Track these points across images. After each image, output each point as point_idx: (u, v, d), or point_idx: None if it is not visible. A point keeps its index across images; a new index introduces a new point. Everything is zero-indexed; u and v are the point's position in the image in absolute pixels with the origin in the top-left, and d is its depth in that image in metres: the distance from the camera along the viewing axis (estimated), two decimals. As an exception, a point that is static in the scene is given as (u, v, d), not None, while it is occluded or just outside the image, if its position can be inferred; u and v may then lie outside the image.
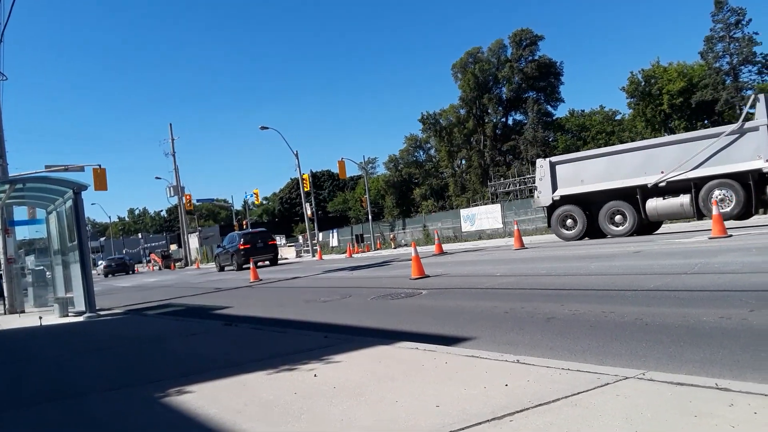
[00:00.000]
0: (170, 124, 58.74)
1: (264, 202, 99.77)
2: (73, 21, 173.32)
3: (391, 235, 46.58)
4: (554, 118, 70.92)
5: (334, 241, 55.82)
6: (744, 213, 14.81)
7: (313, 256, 39.58)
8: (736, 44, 52.88)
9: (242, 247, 30.15)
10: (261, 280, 18.23)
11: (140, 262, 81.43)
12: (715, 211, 13.17)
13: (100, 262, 63.90)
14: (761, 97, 15.06)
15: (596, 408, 2.78)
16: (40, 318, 10.95)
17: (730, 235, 12.39)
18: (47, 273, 14.90)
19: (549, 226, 18.92)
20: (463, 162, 72.80)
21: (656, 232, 17.74)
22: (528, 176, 58.09)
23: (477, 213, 39.76)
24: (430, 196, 74.48)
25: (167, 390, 4.07)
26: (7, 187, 12.31)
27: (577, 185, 17.52)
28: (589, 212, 17.35)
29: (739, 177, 14.58)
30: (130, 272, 56.02)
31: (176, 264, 58.45)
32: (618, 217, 16.65)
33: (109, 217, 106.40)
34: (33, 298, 15.23)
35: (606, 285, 7.87)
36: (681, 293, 6.49)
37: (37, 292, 15.17)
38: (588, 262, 11.09)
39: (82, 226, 10.84)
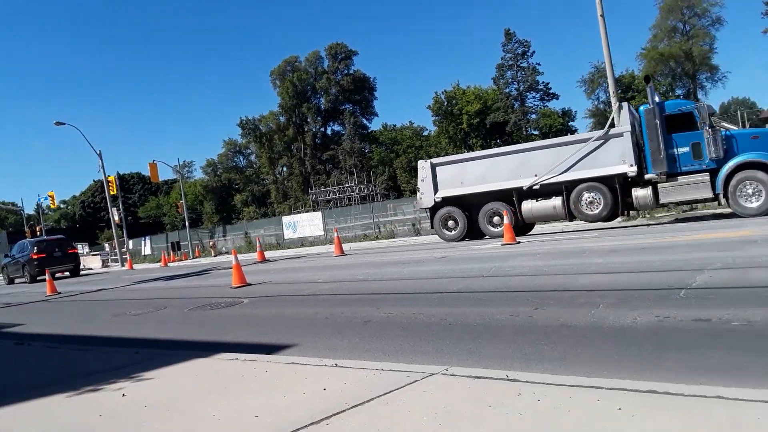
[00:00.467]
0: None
1: (62, 206, 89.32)
2: None
3: (211, 243, 44.66)
4: (369, 130, 74.22)
5: (146, 249, 51.77)
6: (611, 215, 16.00)
7: (123, 265, 36.36)
8: (523, 73, 60.43)
9: (36, 257, 26.86)
10: (60, 293, 16.27)
11: None
12: (506, 221, 14.78)
13: None
14: (625, 105, 16.26)
15: (406, 404, 3.03)
16: None
17: (519, 242, 14.07)
18: None
19: (432, 227, 18.98)
20: (285, 169, 72.69)
21: (530, 233, 18.53)
22: (346, 185, 59.95)
23: (299, 220, 39.87)
24: (252, 203, 73.08)
25: (-64, 428, 3.49)
26: None
27: (457, 187, 17.73)
28: (469, 214, 17.67)
29: (606, 180, 15.60)
30: None
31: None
32: (496, 219, 17.11)
33: None
34: None
35: (416, 288, 8.47)
36: (479, 294, 7.25)
37: None
38: (401, 267, 11.80)
39: None
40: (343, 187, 59.65)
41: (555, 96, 61.71)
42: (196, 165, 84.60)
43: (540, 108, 61.11)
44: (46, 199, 51.65)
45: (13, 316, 11.86)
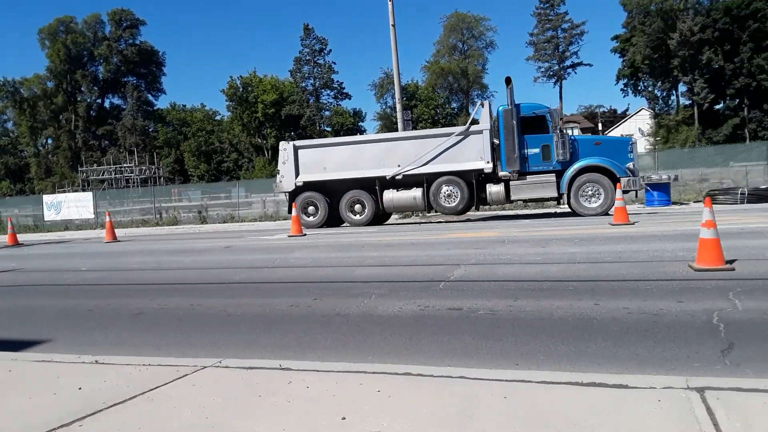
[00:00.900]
0: None
1: None
2: None
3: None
4: (155, 108, 69.28)
5: None
6: (466, 208, 16.60)
7: None
8: (319, 69, 61.82)
9: None
10: None
11: None
12: (294, 213, 15.00)
13: None
14: (486, 103, 16.88)
15: (173, 400, 2.92)
16: None
17: (305, 234, 14.37)
18: None
19: (290, 212, 17.78)
20: (50, 141, 63.96)
21: (386, 222, 18.59)
22: (125, 165, 54.94)
23: (64, 201, 35.25)
24: (6, 177, 62.76)
25: None
26: None
27: (320, 172, 17.13)
28: (330, 200, 17.18)
29: (464, 175, 16.14)
30: None
31: None
32: (357, 207, 16.89)
33: None
34: None
35: (197, 279, 8.15)
36: (262, 285, 7.26)
37: None
38: (182, 256, 11.22)
39: None
40: (121, 167, 54.54)
41: (348, 96, 64.35)
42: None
43: (334, 106, 63.10)
44: None
45: None
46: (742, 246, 7.11)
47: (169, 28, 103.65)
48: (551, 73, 63.00)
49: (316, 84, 62.23)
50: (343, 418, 2.56)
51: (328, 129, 62.27)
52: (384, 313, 5.14)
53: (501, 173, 15.88)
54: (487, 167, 15.84)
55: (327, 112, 62.63)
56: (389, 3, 23.40)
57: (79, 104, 63.85)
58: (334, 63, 62.31)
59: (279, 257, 9.58)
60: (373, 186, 16.81)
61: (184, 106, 72.47)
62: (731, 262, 5.90)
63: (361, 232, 14.71)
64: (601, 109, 77.65)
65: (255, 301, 6.19)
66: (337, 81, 62.99)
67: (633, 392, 2.76)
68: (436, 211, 17.33)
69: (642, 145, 46.24)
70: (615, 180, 14.62)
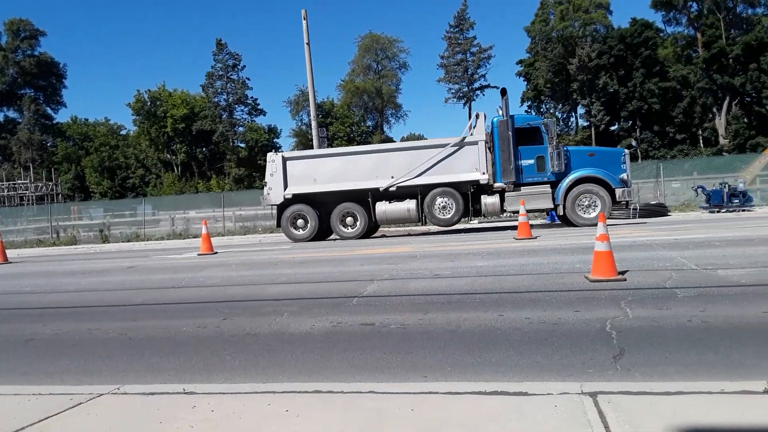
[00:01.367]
0: None
1: None
2: None
3: None
4: (55, 122, 65.15)
5: None
6: (459, 220, 16.21)
7: None
8: (232, 84, 60.64)
9: None
10: None
11: None
12: (204, 231, 14.51)
13: None
14: (481, 115, 16.49)
15: (65, 431, 2.73)
16: None
17: (216, 252, 13.94)
18: None
19: (278, 225, 16.91)
20: (-71, 154, 58.31)
21: (373, 235, 17.94)
22: (20, 182, 51.10)
23: (-56, 219, 32.23)
24: None
25: None
26: None
27: (310, 184, 16.42)
28: (321, 213, 16.47)
29: (459, 186, 15.85)
30: None
31: None
32: (349, 219, 16.32)
33: None
34: None
35: (95, 301, 7.68)
36: (167, 306, 6.95)
37: None
38: (80, 277, 10.54)
39: None
40: (15, 184, 50.57)
41: (263, 112, 63.35)
42: None
43: (248, 122, 61.93)
44: None
45: None
46: (633, 258, 7.64)
47: (73, 40, 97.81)
48: (461, 94, 65.23)
49: (230, 99, 60.89)
50: (249, 440, 2.50)
51: (242, 145, 60.96)
52: (296, 331, 5.09)
53: (496, 184, 15.92)
54: (483, 178, 15.79)
55: (241, 128, 61.36)
56: (303, 22, 23.44)
57: (-33, 116, 58.93)
58: (248, 79, 61.36)
59: (187, 276, 9.22)
60: (366, 198, 16.40)
61: (86, 119, 68.67)
62: (623, 272, 6.34)
63: (274, 249, 14.48)
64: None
65: (159, 323, 5.93)
66: (252, 97, 62.02)
67: (532, 399, 2.90)
68: (429, 223, 17.14)
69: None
70: (609, 190, 15.14)
